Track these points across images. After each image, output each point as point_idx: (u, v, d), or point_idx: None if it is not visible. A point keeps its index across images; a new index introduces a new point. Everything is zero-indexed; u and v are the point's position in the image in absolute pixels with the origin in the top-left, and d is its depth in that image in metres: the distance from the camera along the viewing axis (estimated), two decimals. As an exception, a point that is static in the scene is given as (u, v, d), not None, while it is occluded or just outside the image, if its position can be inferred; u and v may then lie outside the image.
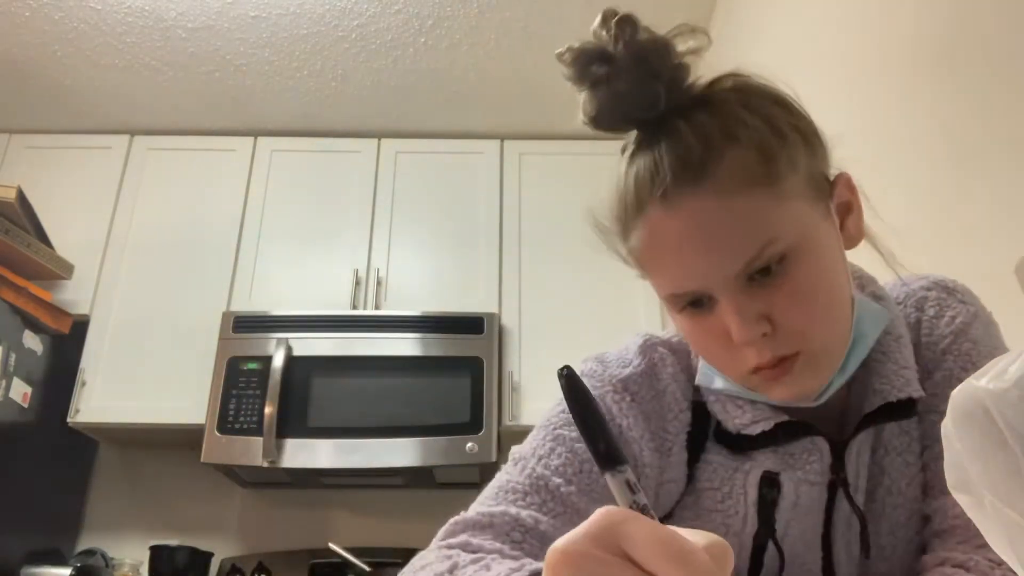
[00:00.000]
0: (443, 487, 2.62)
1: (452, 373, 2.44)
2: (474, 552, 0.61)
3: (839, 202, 0.67)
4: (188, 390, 2.48)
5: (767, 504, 0.68)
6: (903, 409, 0.68)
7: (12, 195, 2.30)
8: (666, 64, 0.65)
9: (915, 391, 0.68)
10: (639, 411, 0.71)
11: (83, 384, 2.49)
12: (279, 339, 2.45)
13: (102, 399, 2.49)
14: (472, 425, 2.35)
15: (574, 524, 0.64)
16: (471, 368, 2.44)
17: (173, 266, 2.69)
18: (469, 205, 2.82)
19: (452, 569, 0.57)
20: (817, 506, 0.69)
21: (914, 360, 0.70)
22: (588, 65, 0.68)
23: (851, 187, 0.69)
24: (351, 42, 2.59)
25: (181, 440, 2.56)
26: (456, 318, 2.53)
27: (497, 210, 2.81)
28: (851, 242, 0.68)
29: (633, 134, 0.68)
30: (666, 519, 0.73)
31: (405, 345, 2.49)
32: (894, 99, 1.41)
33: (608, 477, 0.38)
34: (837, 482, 0.69)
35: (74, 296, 2.59)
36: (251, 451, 2.33)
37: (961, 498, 0.40)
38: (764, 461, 0.69)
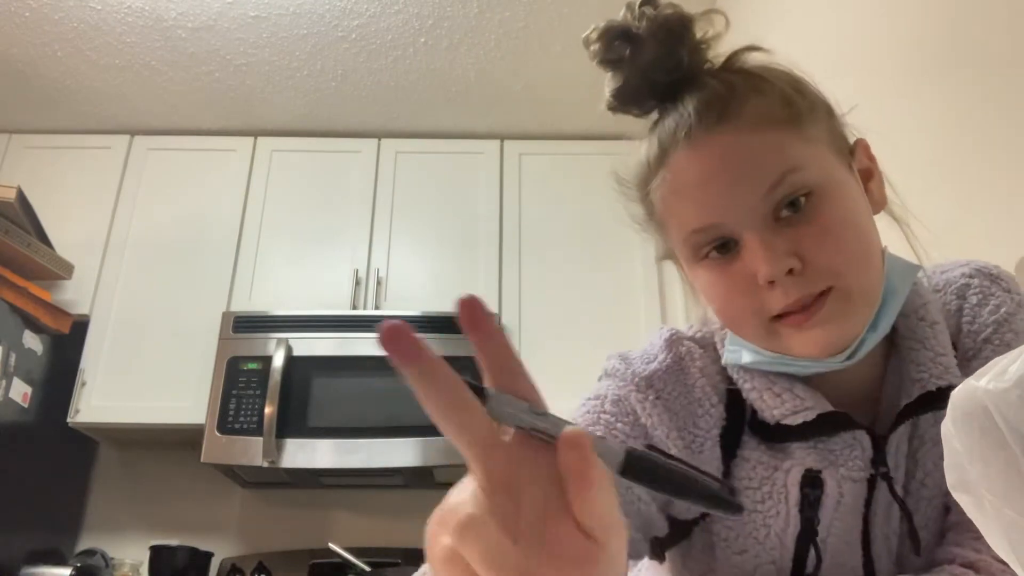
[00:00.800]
0: (443, 487, 2.60)
1: (452, 373, 2.44)
2: None
3: (860, 167, 0.67)
4: (188, 390, 2.48)
5: (810, 504, 0.66)
6: (943, 398, 0.65)
7: (12, 195, 2.30)
8: (689, 34, 0.66)
9: (955, 378, 0.66)
10: (664, 408, 0.69)
11: (83, 384, 2.49)
12: (279, 339, 2.45)
13: (102, 399, 2.49)
14: (472, 425, 2.34)
15: None
16: (471, 368, 2.42)
17: (173, 266, 2.69)
18: (469, 205, 2.82)
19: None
20: (858, 502, 0.67)
21: (951, 347, 0.69)
22: (612, 41, 0.67)
23: (870, 155, 0.69)
24: (351, 42, 2.59)
25: (181, 440, 2.56)
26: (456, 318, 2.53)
27: (497, 210, 2.81)
28: (877, 206, 0.68)
29: (655, 112, 0.69)
30: (703, 519, 0.71)
31: (405, 345, 2.48)
32: (891, 100, 1.41)
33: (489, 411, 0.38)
34: (877, 477, 0.67)
35: (74, 296, 2.59)
36: (251, 451, 2.33)
37: (961, 498, 0.40)
38: (804, 458, 0.67)
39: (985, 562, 0.61)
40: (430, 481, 2.58)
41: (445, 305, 2.62)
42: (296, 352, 2.45)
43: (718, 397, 0.71)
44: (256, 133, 2.93)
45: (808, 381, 0.68)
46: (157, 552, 2.47)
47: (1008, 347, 0.68)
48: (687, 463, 0.39)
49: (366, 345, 2.48)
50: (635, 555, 0.70)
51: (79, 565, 2.38)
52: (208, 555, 2.54)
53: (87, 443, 2.69)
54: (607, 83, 0.70)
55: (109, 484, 2.74)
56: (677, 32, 0.66)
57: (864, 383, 0.69)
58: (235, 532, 2.69)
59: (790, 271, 0.60)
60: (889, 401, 0.70)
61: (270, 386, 2.35)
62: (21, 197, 2.35)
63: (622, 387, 0.71)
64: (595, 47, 0.68)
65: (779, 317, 0.62)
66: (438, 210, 2.82)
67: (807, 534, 0.66)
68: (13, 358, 2.26)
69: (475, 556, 0.33)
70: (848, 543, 0.68)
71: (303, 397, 2.40)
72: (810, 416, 0.65)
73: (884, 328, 0.65)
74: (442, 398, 0.36)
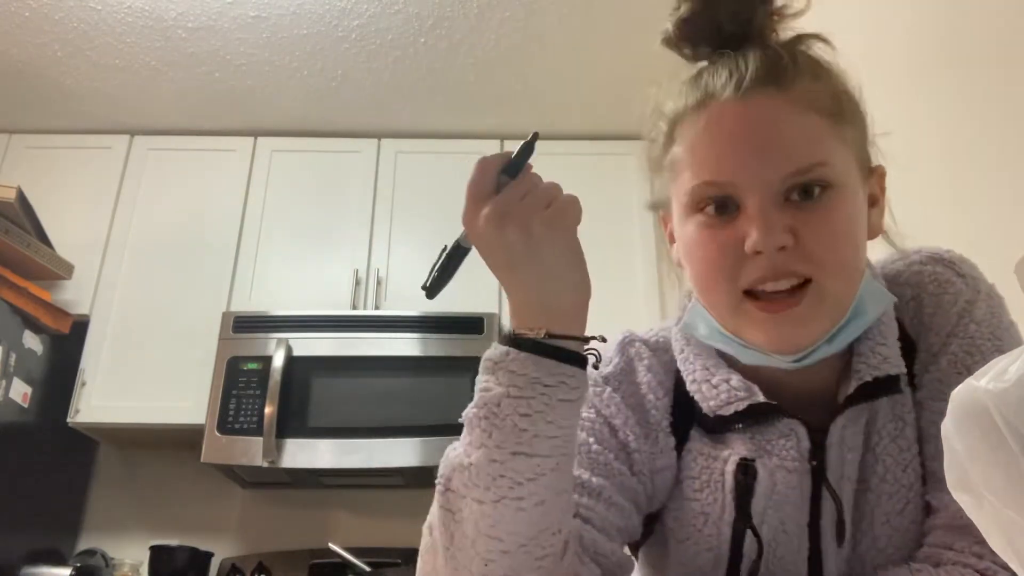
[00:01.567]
0: (443, 487, 2.62)
1: (452, 373, 2.44)
2: None
3: (870, 191, 0.68)
4: (188, 390, 2.48)
5: (743, 491, 0.67)
6: (883, 388, 0.66)
7: (12, 195, 2.30)
8: None
9: (894, 368, 0.66)
10: (621, 400, 0.73)
11: (83, 384, 2.49)
12: (279, 339, 2.45)
13: (102, 399, 2.49)
14: (472, 425, 2.35)
15: (578, 493, 0.67)
16: (471, 368, 2.43)
17: (173, 266, 2.69)
18: (469, 205, 2.82)
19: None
20: (798, 494, 0.67)
21: (897, 339, 0.68)
22: None
23: (883, 184, 0.70)
24: (351, 42, 2.59)
25: (181, 440, 2.56)
26: (456, 318, 2.53)
27: (497, 210, 2.81)
28: (871, 233, 0.69)
29: (706, 60, 0.69)
30: (661, 511, 0.74)
31: (405, 345, 2.49)
32: (890, 100, 1.41)
33: (461, 240, 0.53)
34: (821, 469, 0.67)
35: (74, 296, 2.59)
36: (251, 451, 2.33)
37: (961, 498, 0.40)
38: (740, 447, 0.68)
39: (992, 570, 0.61)
40: (430, 481, 2.55)
41: (445, 305, 2.61)
42: (296, 352, 2.45)
43: (663, 391, 0.74)
44: (256, 133, 2.93)
45: (756, 377, 0.69)
46: (157, 552, 2.47)
47: (972, 339, 0.68)
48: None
49: (366, 345, 2.48)
50: (631, 532, 0.73)
51: (79, 565, 2.38)
52: (208, 555, 2.54)
53: (87, 443, 2.69)
54: (672, 12, 0.72)
55: (109, 484, 2.74)
56: None
57: (820, 383, 0.70)
58: (235, 532, 2.69)
59: (782, 248, 0.61)
60: (831, 395, 0.70)
61: (270, 386, 2.35)
62: (21, 197, 2.35)
63: None
64: None
65: (752, 296, 0.63)
66: (438, 210, 2.82)
67: (741, 522, 0.68)
68: (13, 358, 2.26)
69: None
70: (788, 532, 0.68)
71: (303, 397, 2.40)
72: (741, 406, 0.67)
73: (839, 345, 0.65)
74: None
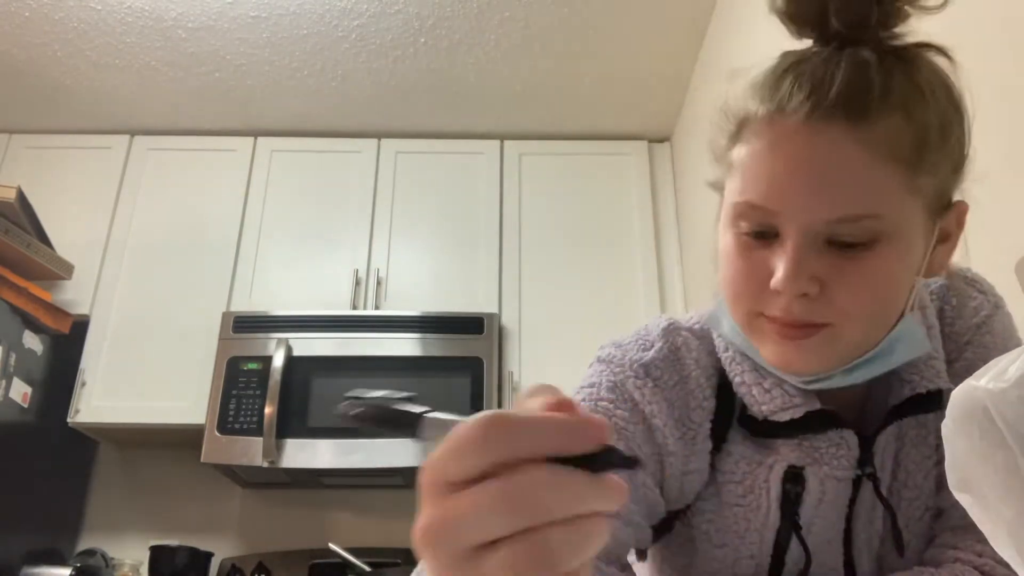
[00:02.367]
0: (443, 487, 2.62)
1: (452, 373, 2.44)
2: None
3: (944, 227, 0.63)
4: (188, 390, 2.48)
5: (791, 500, 0.66)
6: (931, 401, 0.66)
7: (12, 195, 2.30)
8: None
9: (944, 383, 0.66)
10: (662, 397, 0.68)
11: (83, 384, 2.49)
12: (279, 339, 2.45)
13: (102, 399, 2.49)
14: (472, 425, 2.35)
15: None
16: (471, 368, 2.44)
17: (173, 266, 2.69)
18: (469, 205, 2.82)
19: None
20: (841, 502, 0.67)
21: (938, 348, 0.69)
22: None
23: (961, 221, 0.65)
24: (351, 42, 2.59)
25: (181, 440, 2.56)
26: (456, 318, 2.53)
27: (497, 210, 2.81)
28: (931, 271, 0.65)
29: (809, 46, 0.63)
30: (687, 510, 0.71)
31: (405, 345, 2.49)
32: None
33: (424, 432, 0.37)
34: (863, 477, 0.66)
35: (74, 296, 2.59)
36: (251, 451, 2.33)
37: (962, 498, 0.40)
38: (788, 454, 0.66)
39: (990, 566, 0.61)
40: (430, 481, 2.58)
41: (445, 305, 2.62)
42: (296, 352, 2.45)
43: (711, 390, 0.70)
44: (256, 133, 2.93)
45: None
46: (157, 552, 2.47)
47: (986, 349, 0.70)
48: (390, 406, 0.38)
49: (366, 345, 2.48)
50: (642, 543, 0.70)
51: (79, 565, 2.38)
52: (208, 555, 2.54)
53: (87, 443, 2.69)
54: None
55: (109, 484, 2.74)
56: None
57: (850, 389, 0.69)
58: (235, 532, 2.69)
59: (803, 295, 0.59)
60: (878, 401, 0.69)
61: (270, 386, 2.35)
62: (21, 197, 2.35)
63: (618, 373, 0.70)
64: None
65: (767, 316, 0.62)
66: (438, 210, 2.82)
67: (787, 530, 0.66)
68: (13, 358, 2.26)
69: None
70: (829, 541, 0.68)
71: (303, 397, 2.40)
72: (798, 413, 0.65)
73: (858, 379, 0.64)
74: None
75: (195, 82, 2.75)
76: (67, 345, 2.51)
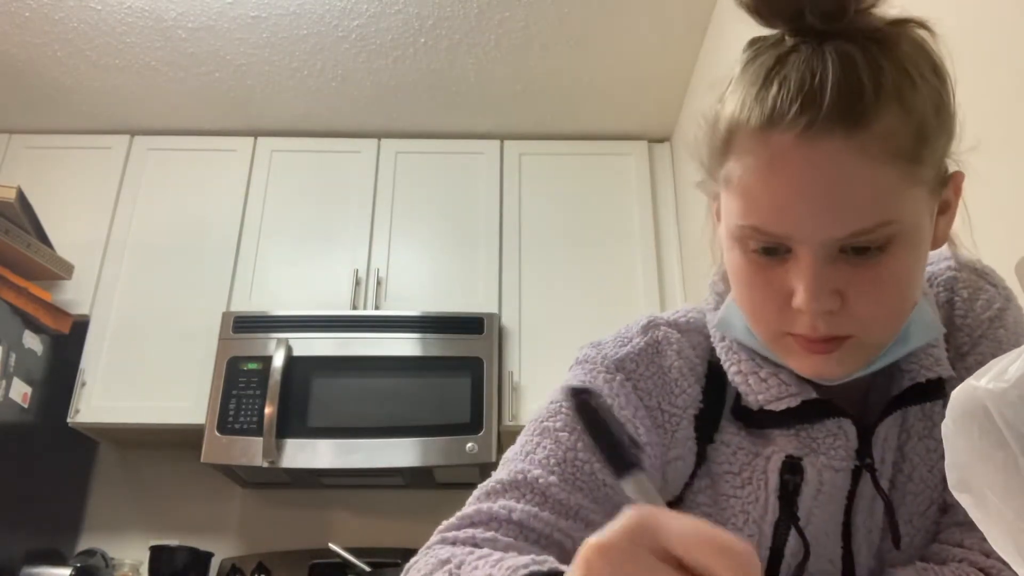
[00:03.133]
0: (443, 487, 2.62)
1: (452, 373, 2.44)
2: (451, 544, 0.61)
3: (943, 199, 0.63)
4: (188, 390, 2.48)
5: (789, 491, 0.65)
6: (932, 390, 0.66)
7: (12, 195, 2.30)
8: None
9: (945, 371, 0.66)
10: (632, 388, 0.69)
11: (83, 384, 2.49)
12: (279, 339, 2.45)
13: (102, 399, 2.49)
14: (472, 425, 2.35)
15: (556, 512, 0.64)
16: (471, 368, 2.44)
17: (173, 266, 2.69)
18: (469, 205, 2.82)
19: (440, 565, 0.57)
20: (840, 493, 0.66)
21: (944, 340, 0.68)
22: None
23: (958, 189, 0.64)
24: (351, 42, 2.59)
25: (181, 440, 2.56)
26: (456, 318, 2.53)
27: (497, 210, 2.81)
28: (935, 243, 0.64)
29: (784, 38, 0.60)
30: (679, 503, 0.71)
31: (405, 345, 2.49)
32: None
33: (624, 483, 0.39)
34: (862, 468, 0.66)
35: (74, 296, 2.59)
36: (251, 451, 2.33)
37: (962, 497, 0.40)
38: (786, 445, 0.66)
39: (996, 568, 0.61)
40: (430, 481, 2.58)
41: (445, 305, 2.62)
42: (296, 352, 2.45)
43: (695, 379, 0.70)
44: (256, 133, 2.93)
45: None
46: (157, 552, 2.47)
47: (999, 343, 0.69)
48: (617, 437, 0.40)
49: (366, 345, 2.48)
50: None
51: (79, 565, 2.38)
52: (208, 555, 2.54)
53: (87, 443, 2.69)
54: None
55: (109, 484, 2.74)
56: None
57: (855, 380, 0.68)
58: (235, 532, 2.69)
59: (829, 312, 0.57)
60: (878, 391, 0.69)
61: (270, 386, 2.35)
62: (21, 197, 2.35)
63: (589, 371, 0.71)
64: None
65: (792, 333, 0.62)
66: (438, 210, 2.82)
67: (786, 521, 0.66)
68: (13, 358, 2.26)
69: None
70: (827, 533, 0.67)
71: (303, 397, 2.40)
72: (794, 403, 0.65)
73: (876, 367, 0.64)
74: None
75: (195, 82, 2.75)
76: (67, 345, 2.51)
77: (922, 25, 0.60)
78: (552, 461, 0.66)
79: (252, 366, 2.44)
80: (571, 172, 2.88)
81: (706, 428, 0.69)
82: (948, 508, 0.67)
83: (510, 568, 0.51)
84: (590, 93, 2.77)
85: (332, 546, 2.40)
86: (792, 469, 0.65)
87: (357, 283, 2.68)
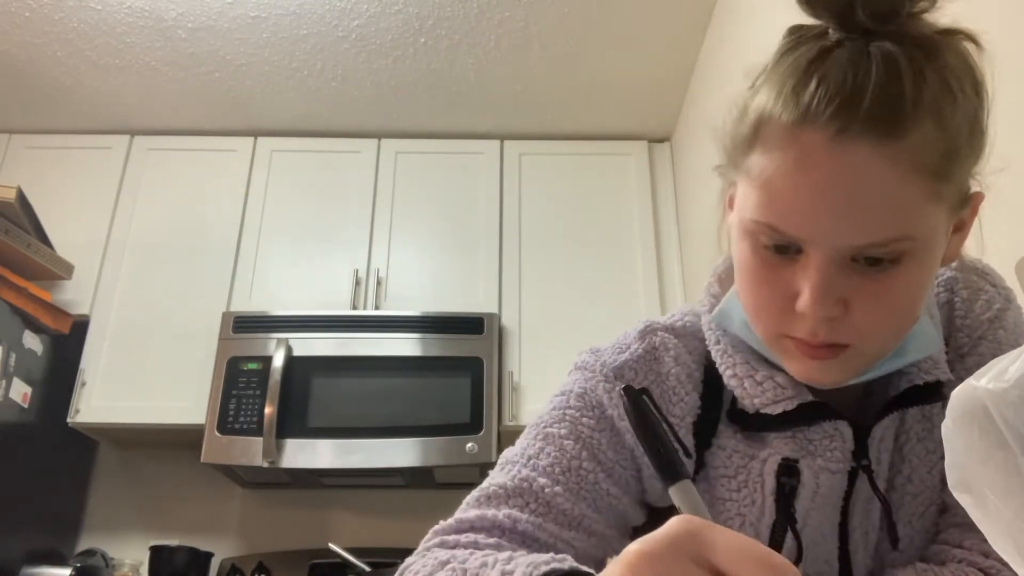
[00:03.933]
0: (443, 487, 2.62)
1: (452, 373, 2.44)
2: (451, 548, 0.61)
3: (959, 218, 0.61)
4: (188, 390, 2.48)
5: (785, 494, 0.65)
6: (930, 392, 0.65)
7: (12, 195, 2.30)
8: None
9: (943, 374, 0.65)
10: None
11: (83, 384, 2.49)
12: (279, 339, 2.45)
13: (102, 399, 2.49)
14: (472, 425, 2.35)
15: (560, 523, 0.64)
16: (471, 368, 2.44)
17: (173, 266, 2.69)
18: (469, 205, 2.82)
19: (441, 566, 0.57)
20: (836, 495, 0.66)
21: (943, 342, 0.68)
22: None
23: (976, 210, 0.63)
24: (351, 42, 2.59)
25: (181, 440, 2.56)
26: (456, 318, 2.53)
27: (497, 210, 2.81)
28: (944, 261, 0.63)
29: (828, 31, 0.58)
30: (676, 508, 0.71)
31: (405, 345, 2.49)
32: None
33: (670, 492, 0.39)
34: (859, 469, 0.66)
35: (74, 296, 2.59)
36: (251, 451, 2.33)
37: (962, 498, 0.40)
38: (782, 447, 0.66)
39: (996, 569, 0.61)
40: (430, 481, 2.58)
41: (445, 305, 2.62)
42: (296, 352, 2.45)
43: (692, 385, 0.70)
44: (256, 133, 2.93)
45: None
46: (157, 552, 2.47)
47: (999, 344, 0.69)
48: (667, 443, 0.41)
49: (366, 345, 2.48)
50: (611, 550, 0.70)
51: (79, 565, 2.38)
52: (208, 555, 2.54)
53: (87, 443, 2.69)
54: None
55: (109, 484, 2.74)
56: None
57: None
58: (235, 532, 2.69)
59: (831, 318, 0.57)
60: (875, 393, 0.69)
61: (270, 386, 2.35)
62: (21, 197, 2.35)
63: (590, 379, 0.71)
64: None
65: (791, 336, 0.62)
66: (438, 210, 2.82)
67: (782, 524, 0.66)
68: (13, 358, 2.26)
69: None
70: (824, 535, 0.67)
71: (303, 397, 2.40)
72: (791, 406, 0.64)
73: (868, 377, 0.64)
74: None
75: (195, 82, 2.75)
76: (67, 345, 2.51)
77: (971, 38, 0.58)
78: (557, 470, 0.66)
79: (252, 366, 2.44)
80: (571, 172, 2.88)
81: (704, 434, 0.69)
82: (947, 509, 0.67)
83: (531, 564, 0.51)
84: (590, 93, 2.77)
85: (332, 546, 2.40)
86: (788, 472, 0.65)
87: (357, 283, 2.68)
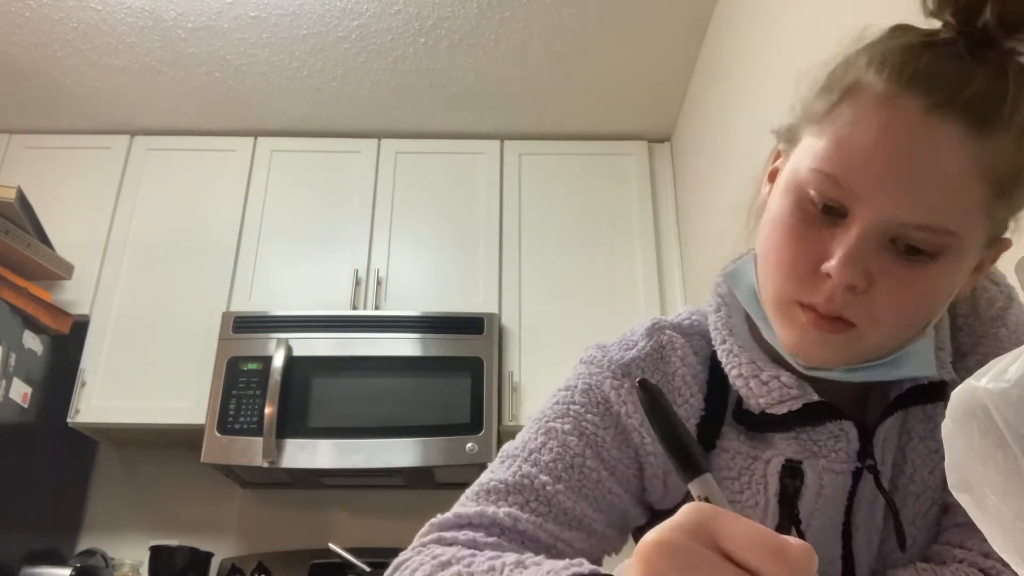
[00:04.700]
0: (443, 487, 2.62)
1: (452, 373, 2.44)
2: (449, 545, 0.60)
3: (982, 258, 0.61)
4: (188, 390, 2.48)
5: (789, 495, 0.65)
6: (933, 392, 0.65)
7: (12, 195, 2.30)
8: None
9: (947, 373, 0.65)
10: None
11: (83, 384, 2.49)
12: (279, 339, 2.45)
13: (102, 399, 2.49)
14: (472, 425, 2.35)
15: (560, 523, 0.64)
16: (471, 368, 2.44)
17: (173, 266, 2.69)
18: (469, 205, 2.82)
19: (442, 567, 0.57)
20: (840, 495, 0.66)
21: (949, 342, 0.68)
22: None
23: (996, 256, 0.63)
24: (351, 42, 2.59)
25: (181, 440, 2.56)
26: (456, 318, 2.53)
27: (497, 210, 2.81)
28: (958, 295, 0.63)
29: (950, 34, 0.57)
30: (682, 507, 0.70)
31: (405, 345, 2.49)
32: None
33: (691, 486, 0.39)
34: (863, 469, 0.65)
35: (74, 296, 2.59)
36: (251, 451, 2.33)
37: (962, 498, 0.40)
38: (785, 448, 0.65)
39: (996, 569, 0.60)
40: (430, 481, 2.58)
41: (445, 305, 2.62)
42: (296, 352, 2.45)
43: (697, 387, 0.70)
44: (256, 133, 2.93)
45: (794, 369, 0.67)
46: (157, 552, 2.47)
47: (1001, 343, 0.68)
48: (685, 439, 0.40)
49: (366, 345, 2.48)
50: (610, 549, 0.70)
51: (79, 565, 2.38)
52: (208, 555, 2.54)
53: (87, 443, 2.69)
54: None
55: (109, 484, 2.74)
56: None
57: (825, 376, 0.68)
58: (235, 532, 2.69)
59: (851, 286, 0.56)
60: (879, 392, 0.69)
61: (270, 386, 2.35)
62: (21, 197, 2.35)
63: (596, 374, 0.70)
64: None
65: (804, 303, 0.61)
66: (438, 210, 2.82)
67: (786, 525, 0.65)
68: (13, 358, 2.26)
69: None
70: (827, 535, 0.67)
71: (303, 397, 2.40)
72: (796, 405, 0.64)
73: (855, 379, 0.64)
74: None
75: (195, 82, 2.75)
76: (67, 345, 2.51)
77: None
78: (560, 466, 0.66)
79: (252, 366, 2.44)
80: (571, 172, 2.87)
81: (708, 435, 0.69)
82: (948, 509, 0.67)
83: (551, 572, 0.50)
84: (590, 93, 2.77)
85: (332, 546, 2.40)
86: (792, 473, 0.65)
87: (357, 283, 2.68)
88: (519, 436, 0.71)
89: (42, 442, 2.43)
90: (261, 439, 2.32)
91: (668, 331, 0.72)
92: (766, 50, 2.00)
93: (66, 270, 2.54)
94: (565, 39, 2.54)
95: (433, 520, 0.65)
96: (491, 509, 0.63)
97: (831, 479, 0.65)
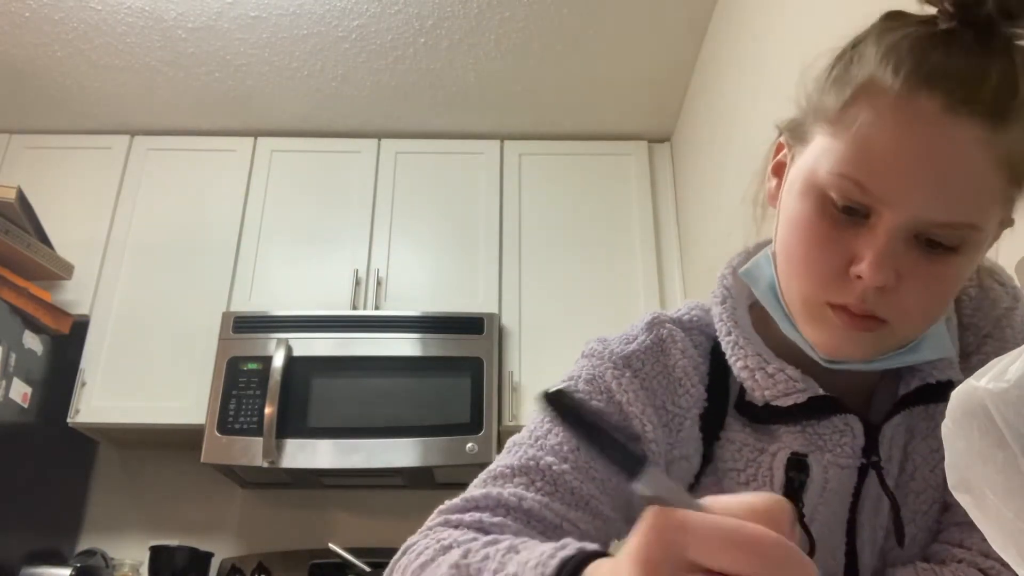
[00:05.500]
0: (443, 487, 2.62)
1: (452, 373, 2.44)
2: (455, 527, 0.61)
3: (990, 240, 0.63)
4: (188, 390, 2.48)
5: (794, 488, 0.65)
6: (941, 392, 0.65)
7: (12, 195, 2.30)
8: None
9: (956, 375, 0.65)
10: (640, 386, 0.69)
11: (83, 384, 2.49)
12: (279, 339, 2.45)
13: (102, 399, 2.49)
14: (472, 425, 2.35)
15: (566, 503, 0.64)
16: (471, 368, 2.44)
17: (173, 266, 2.69)
18: (469, 205, 2.82)
19: (444, 551, 0.57)
20: (846, 490, 0.66)
21: (956, 343, 0.68)
22: None
23: (998, 235, 0.64)
24: (351, 42, 2.59)
25: (181, 440, 2.56)
26: (456, 318, 2.53)
27: (497, 210, 2.81)
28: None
29: (937, 21, 0.58)
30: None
31: (405, 345, 2.49)
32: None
33: (636, 487, 0.36)
34: (869, 466, 0.66)
35: (74, 296, 2.59)
36: (251, 451, 2.33)
37: (961, 498, 0.40)
38: (791, 441, 0.66)
39: (996, 569, 0.61)
40: (430, 481, 2.58)
41: (445, 305, 2.62)
42: (296, 352, 2.45)
43: (699, 378, 0.70)
44: (256, 133, 2.93)
45: (801, 366, 0.67)
46: (157, 552, 2.47)
47: (1005, 343, 0.69)
48: (615, 436, 0.37)
49: (366, 345, 2.48)
50: (615, 535, 0.70)
51: (79, 565, 2.38)
52: (208, 555, 2.54)
53: (87, 443, 2.68)
54: None
55: (109, 484, 2.74)
56: None
57: (861, 377, 0.69)
58: (235, 532, 2.69)
59: (882, 287, 0.57)
60: (886, 389, 0.69)
61: (270, 386, 2.35)
62: (21, 197, 2.35)
63: (598, 366, 0.71)
64: None
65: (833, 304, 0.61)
66: (438, 210, 2.82)
67: None
68: (13, 358, 2.26)
69: None
70: (832, 530, 0.67)
71: (303, 397, 2.40)
72: (801, 399, 0.65)
73: (876, 367, 0.64)
74: None
75: (195, 82, 2.75)
76: (67, 345, 2.51)
77: None
78: (566, 448, 0.66)
79: (252, 366, 2.44)
80: (571, 172, 2.87)
81: (711, 426, 0.69)
82: (949, 508, 0.67)
83: (542, 554, 0.48)
84: (590, 93, 2.77)
85: (332, 546, 2.40)
86: (797, 466, 0.65)
87: (357, 283, 2.68)
88: (524, 428, 0.71)
89: (42, 442, 2.43)
90: (261, 439, 2.32)
91: (668, 325, 0.73)
92: (766, 49, 2.00)
93: (66, 270, 2.54)
94: (565, 39, 2.54)
95: (441, 506, 0.66)
96: (495, 490, 0.64)
97: (836, 473, 0.65)
